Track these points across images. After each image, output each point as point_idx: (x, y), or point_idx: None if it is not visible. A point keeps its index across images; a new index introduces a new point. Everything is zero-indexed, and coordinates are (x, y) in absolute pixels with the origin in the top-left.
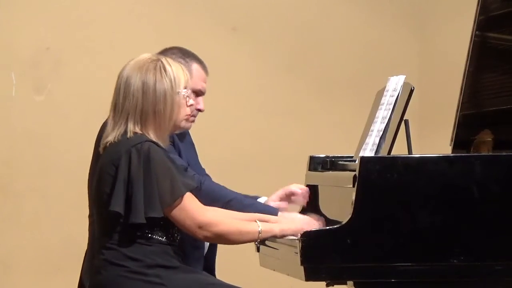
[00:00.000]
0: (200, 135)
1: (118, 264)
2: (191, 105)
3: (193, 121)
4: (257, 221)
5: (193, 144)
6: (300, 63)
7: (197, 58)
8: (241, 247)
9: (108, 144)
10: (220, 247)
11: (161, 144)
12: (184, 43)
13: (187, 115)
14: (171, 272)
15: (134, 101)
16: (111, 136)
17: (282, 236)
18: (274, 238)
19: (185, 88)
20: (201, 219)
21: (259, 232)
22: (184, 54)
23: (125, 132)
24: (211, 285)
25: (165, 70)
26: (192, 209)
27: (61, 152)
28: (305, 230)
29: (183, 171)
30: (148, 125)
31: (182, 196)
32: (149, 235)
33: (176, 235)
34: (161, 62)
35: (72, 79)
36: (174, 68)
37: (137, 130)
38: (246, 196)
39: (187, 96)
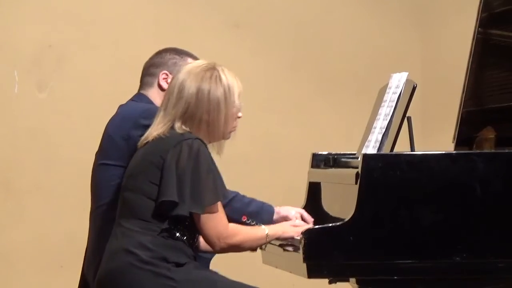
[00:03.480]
0: None
1: (131, 252)
2: (239, 117)
3: None
4: (262, 225)
5: None
6: (302, 61)
7: (191, 55)
8: None
9: (152, 138)
10: None
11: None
12: (187, 40)
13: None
14: (181, 267)
15: (186, 105)
16: (157, 132)
17: (284, 238)
18: (277, 239)
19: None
20: (224, 230)
21: (267, 236)
22: (177, 53)
23: (173, 127)
24: (219, 282)
25: (220, 80)
26: (219, 219)
27: (64, 149)
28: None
29: (221, 178)
30: (200, 131)
31: (220, 200)
32: (173, 231)
33: (196, 238)
34: (217, 71)
35: (75, 76)
36: (230, 78)
37: (186, 129)
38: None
39: (239, 109)
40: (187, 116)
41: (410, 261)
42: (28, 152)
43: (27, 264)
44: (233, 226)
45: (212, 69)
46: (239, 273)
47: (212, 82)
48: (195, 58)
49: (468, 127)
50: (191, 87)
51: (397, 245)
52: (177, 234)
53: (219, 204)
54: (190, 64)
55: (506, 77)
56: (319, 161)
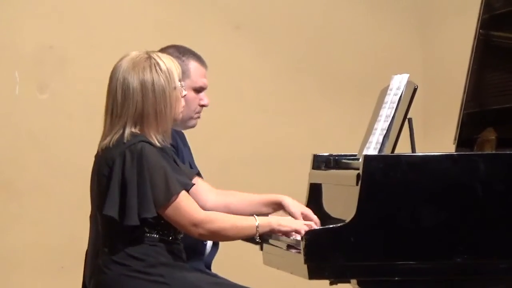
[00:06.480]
0: (203, 134)
1: (121, 263)
2: (185, 95)
3: (198, 117)
4: (254, 215)
5: (189, 148)
6: (303, 62)
7: (194, 54)
8: (244, 245)
9: (104, 147)
10: (223, 245)
11: (162, 141)
12: (187, 42)
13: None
14: (174, 270)
15: (133, 104)
16: (107, 140)
17: (279, 231)
18: (272, 232)
19: (179, 80)
20: (195, 216)
21: (257, 227)
22: (180, 53)
23: (122, 135)
24: (214, 284)
25: (159, 67)
26: (186, 207)
27: (65, 151)
28: (302, 231)
29: (179, 170)
30: (149, 125)
31: (177, 194)
32: (149, 234)
33: (178, 233)
34: (154, 59)
35: (76, 77)
36: (167, 63)
37: (136, 130)
38: None
39: (182, 87)
40: (137, 115)
41: (411, 262)
42: (29, 153)
43: (28, 265)
44: (212, 212)
45: (148, 58)
46: (240, 274)
47: (153, 72)
48: (198, 57)
49: (469, 128)
50: (133, 83)
51: (398, 246)
52: (157, 236)
53: (182, 194)
54: (124, 60)
55: (507, 79)
56: (320, 162)
